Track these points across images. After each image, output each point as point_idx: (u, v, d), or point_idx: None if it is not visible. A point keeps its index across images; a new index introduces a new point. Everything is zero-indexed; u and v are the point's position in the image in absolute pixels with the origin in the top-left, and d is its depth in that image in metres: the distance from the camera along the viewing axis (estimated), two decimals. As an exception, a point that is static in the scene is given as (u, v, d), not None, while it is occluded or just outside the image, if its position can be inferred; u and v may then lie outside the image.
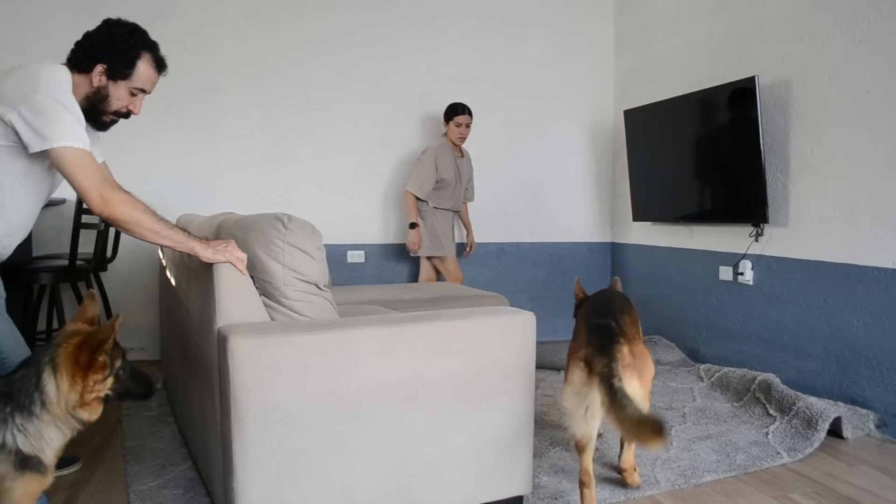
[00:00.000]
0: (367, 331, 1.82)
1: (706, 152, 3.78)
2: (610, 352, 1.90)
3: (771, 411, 2.94)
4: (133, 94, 1.88)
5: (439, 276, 4.25)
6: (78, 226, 2.94)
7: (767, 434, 2.74)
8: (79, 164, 1.69)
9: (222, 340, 1.67)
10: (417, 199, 4.06)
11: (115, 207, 1.72)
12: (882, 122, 2.88)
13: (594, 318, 2.09)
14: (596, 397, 1.85)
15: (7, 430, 1.34)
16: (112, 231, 3.47)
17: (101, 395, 1.44)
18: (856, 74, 2.99)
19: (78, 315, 1.50)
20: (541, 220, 4.77)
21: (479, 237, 4.64)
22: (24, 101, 1.65)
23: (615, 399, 1.79)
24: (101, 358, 1.41)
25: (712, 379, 3.43)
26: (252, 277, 1.88)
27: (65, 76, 1.75)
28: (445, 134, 4.14)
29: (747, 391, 3.16)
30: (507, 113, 4.62)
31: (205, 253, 1.80)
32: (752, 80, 3.32)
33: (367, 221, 4.39)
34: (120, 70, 1.82)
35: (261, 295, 1.90)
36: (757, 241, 3.53)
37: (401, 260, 4.49)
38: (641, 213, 4.40)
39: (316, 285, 1.97)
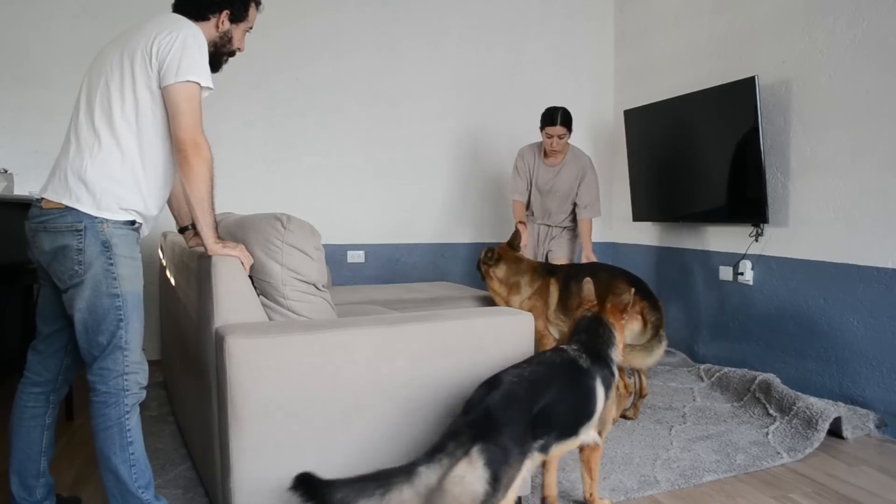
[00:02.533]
0: (364, 331, 1.82)
1: (706, 152, 3.78)
2: (660, 309, 2.84)
3: (771, 411, 2.94)
4: (244, 34, 2.00)
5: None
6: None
7: (767, 434, 2.74)
8: (194, 101, 1.72)
9: (220, 340, 1.68)
10: (525, 204, 3.85)
11: (198, 157, 1.72)
12: (882, 122, 2.88)
13: (639, 283, 2.92)
14: (644, 335, 2.79)
15: (609, 370, 1.91)
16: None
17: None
18: (856, 74, 2.99)
19: (587, 294, 2.11)
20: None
21: (477, 237, 4.64)
22: (167, 37, 1.70)
23: (655, 342, 2.66)
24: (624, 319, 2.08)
25: (712, 379, 3.43)
26: (251, 277, 1.88)
27: None
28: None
29: (747, 391, 3.15)
30: (507, 113, 4.61)
31: (213, 246, 1.81)
32: (752, 80, 3.31)
33: (367, 221, 4.39)
34: (240, 13, 1.93)
35: (259, 295, 1.90)
36: (757, 241, 3.52)
37: (400, 260, 4.49)
38: (641, 213, 4.40)
39: (314, 285, 1.97)
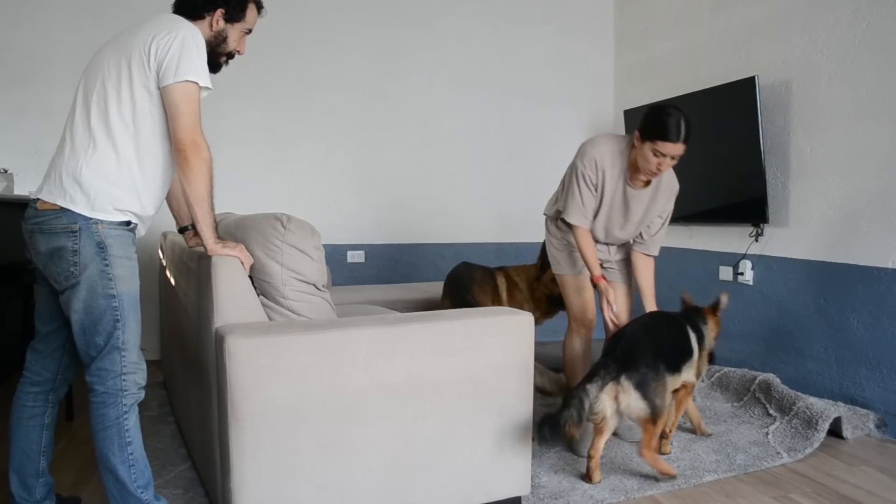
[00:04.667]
0: (364, 331, 1.82)
1: (706, 152, 3.77)
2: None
3: (771, 411, 2.94)
4: (242, 35, 1.98)
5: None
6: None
7: (767, 434, 2.74)
8: (193, 101, 1.71)
9: (220, 340, 1.68)
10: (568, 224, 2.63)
11: (197, 157, 1.72)
12: (882, 122, 2.88)
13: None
14: None
15: (701, 333, 2.51)
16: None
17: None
18: (856, 74, 2.99)
19: (715, 303, 2.66)
20: (540, 221, 4.73)
21: (477, 237, 4.64)
22: (166, 37, 1.69)
23: None
24: (719, 315, 2.64)
25: (712, 379, 3.43)
26: (251, 277, 1.88)
27: None
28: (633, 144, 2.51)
29: (747, 391, 3.15)
30: (507, 113, 4.62)
31: (213, 246, 1.80)
32: (752, 80, 3.31)
33: (367, 221, 4.39)
34: (236, 13, 1.91)
35: (259, 295, 1.90)
36: (757, 241, 3.52)
37: (400, 260, 4.49)
38: (641, 213, 4.39)
39: (314, 285, 1.97)
